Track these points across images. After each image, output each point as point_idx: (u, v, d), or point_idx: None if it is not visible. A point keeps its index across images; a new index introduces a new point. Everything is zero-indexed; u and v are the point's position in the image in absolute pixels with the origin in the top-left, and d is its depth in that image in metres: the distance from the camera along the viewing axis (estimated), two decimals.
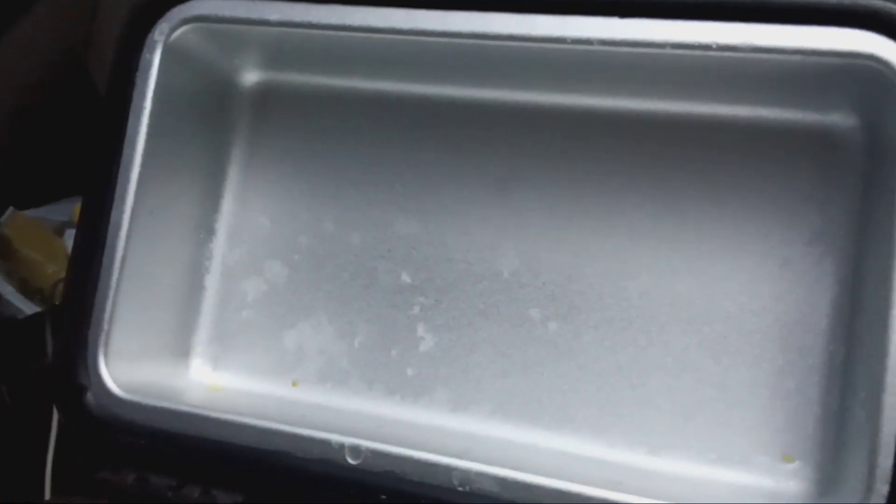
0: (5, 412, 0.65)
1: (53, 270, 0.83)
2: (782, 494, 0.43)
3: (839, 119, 0.44)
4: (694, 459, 0.44)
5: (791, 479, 0.43)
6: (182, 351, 0.52)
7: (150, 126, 0.47)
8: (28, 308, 0.80)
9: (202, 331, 0.52)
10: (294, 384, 0.51)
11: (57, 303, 0.74)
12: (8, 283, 0.84)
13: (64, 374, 0.45)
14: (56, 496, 0.55)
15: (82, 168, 0.80)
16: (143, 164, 0.47)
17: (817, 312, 0.44)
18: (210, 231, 0.53)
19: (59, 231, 0.87)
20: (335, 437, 0.42)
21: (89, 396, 0.45)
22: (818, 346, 0.44)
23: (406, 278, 0.50)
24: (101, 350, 0.46)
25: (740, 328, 0.44)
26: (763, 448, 0.44)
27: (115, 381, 0.45)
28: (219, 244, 0.53)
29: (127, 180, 0.46)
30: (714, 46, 0.40)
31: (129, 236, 0.46)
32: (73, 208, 0.89)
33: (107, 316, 0.45)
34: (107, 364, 0.46)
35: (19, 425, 0.64)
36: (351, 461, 0.42)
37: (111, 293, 0.46)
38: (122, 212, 0.46)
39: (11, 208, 0.84)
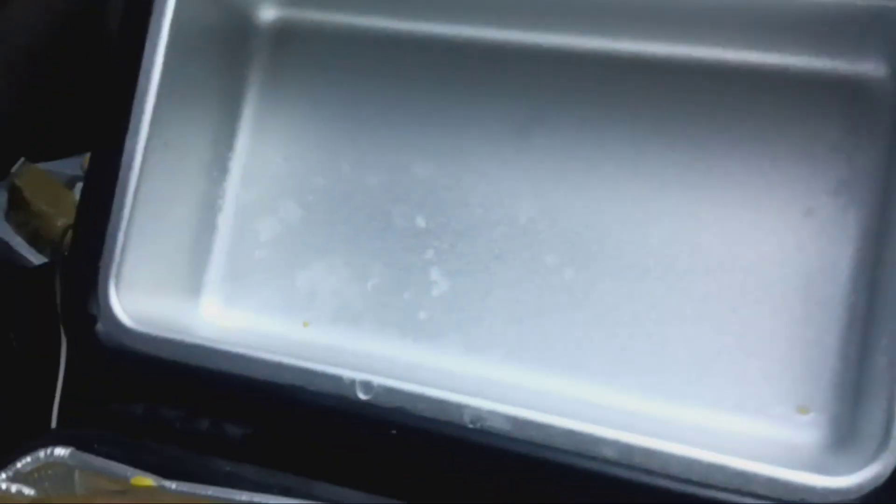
0: (13, 358, 0.65)
1: (63, 223, 0.82)
2: (797, 445, 0.42)
3: (870, 68, 0.43)
4: (709, 408, 0.44)
5: (806, 430, 0.42)
6: (193, 288, 0.51)
7: (167, 57, 0.46)
8: (36, 259, 0.80)
9: (214, 269, 0.52)
10: (305, 325, 0.50)
11: (66, 253, 0.74)
12: (17, 234, 0.83)
13: (75, 304, 0.45)
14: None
15: (95, 123, 0.80)
16: (159, 95, 0.46)
17: (840, 263, 0.43)
18: (224, 169, 0.52)
19: (70, 184, 0.87)
20: (346, 373, 0.42)
21: (99, 326, 0.44)
22: (839, 296, 0.43)
23: (421, 222, 0.49)
24: (111, 281, 0.45)
25: (761, 278, 0.44)
26: (779, 398, 0.43)
27: (125, 313, 0.45)
28: (232, 183, 0.52)
29: (142, 110, 0.46)
30: None
31: (142, 167, 0.46)
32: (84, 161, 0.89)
33: (118, 247, 0.45)
34: (118, 295, 0.45)
35: (27, 370, 0.63)
36: (362, 396, 0.41)
37: (123, 224, 0.45)
38: (136, 142, 0.46)
39: (23, 159, 0.84)
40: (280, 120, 0.52)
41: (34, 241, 0.82)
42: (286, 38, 0.53)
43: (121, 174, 0.45)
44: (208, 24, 0.49)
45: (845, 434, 0.41)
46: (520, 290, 0.47)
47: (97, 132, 0.45)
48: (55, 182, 0.86)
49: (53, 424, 0.55)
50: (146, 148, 0.46)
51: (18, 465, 0.37)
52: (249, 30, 0.52)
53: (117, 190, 0.45)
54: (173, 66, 0.46)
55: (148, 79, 0.46)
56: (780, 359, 0.43)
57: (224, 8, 0.50)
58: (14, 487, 0.37)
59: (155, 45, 0.45)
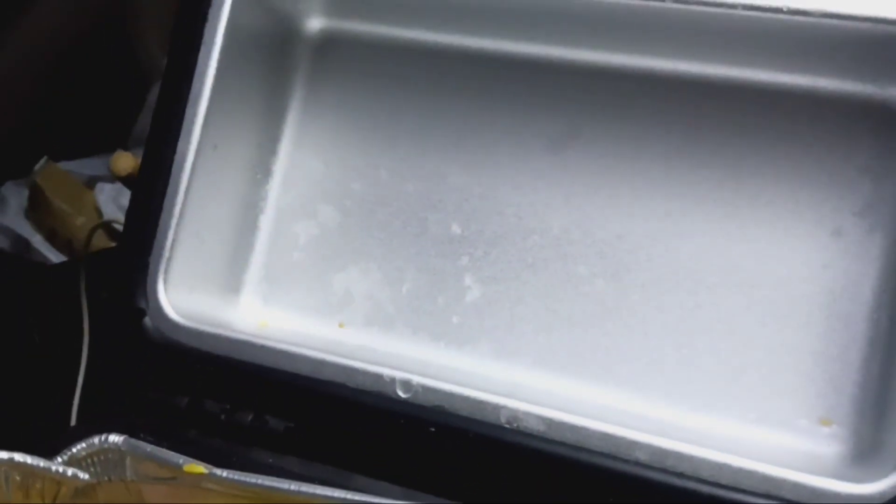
0: (35, 351, 0.66)
1: (82, 222, 0.84)
2: (820, 457, 0.43)
3: None
4: (733, 419, 0.45)
5: (828, 443, 0.44)
6: (233, 287, 0.53)
7: (220, 62, 0.48)
8: (55, 257, 0.81)
9: (253, 269, 0.53)
10: (340, 326, 0.52)
11: (89, 252, 0.75)
12: (37, 232, 0.85)
13: (124, 298, 0.46)
14: (81, 426, 0.56)
15: (113, 125, 0.81)
16: (211, 99, 0.48)
17: (864, 281, 0.45)
18: (267, 172, 0.54)
19: (90, 184, 0.88)
20: (387, 371, 0.43)
21: (147, 320, 0.46)
22: (863, 313, 0.44)
23: (456, 229, 0.51)
24: (161, 276, 0.47)
25: (788, 294, 0.45)
26: (802, 411, 0.44)
27: (172, 308, 0.46)
28: (274, 186, 0.54)
29: (195, 114, 0.47)
30: (785, 10, 0.41)
31: (193, 169, 0.47)
32: (106, 163, 0.90)
33: (168, 244, 0.47)
34: (166, 291, 0.47)
35: (48, 363, 0.65)
36: (402, 395, 0.43)
37: (174, 222, 0.47)
38: (188, 143, 0.47)
39: (45, 158, 0.85)
40: (321, 126, 0.54)
41: (53, 239, 0.84)
42: (331, 47, 0.54)
43: (172, 174, 0.47)
44: (258, 31, 0.51)
45: (866, 446, 0.43)
46: (551, 299, 0.49)
47: (151, 133, 0.47)
48: (76, 182, 0.88)
49: (74, 417, 0.56)
50: (197, 149, 0.47)
51: (73, 449, 0.39)
52: (296, 38, 0.54)
53: (169, 188, 0.46)
54: (225, 72, 0.48)
55: (202, 83, 0.47)
56: (804, 372, 0.45)
57: (274, 16, 0.52)
58: (70, 471, 0.38)
59: (209, 51, 0.47)
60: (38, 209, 0.85)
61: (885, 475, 0.38)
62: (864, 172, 0.45)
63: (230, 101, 0.50)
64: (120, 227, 0.70)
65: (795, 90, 0.46)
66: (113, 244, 0.72)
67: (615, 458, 0.40)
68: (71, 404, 0.59)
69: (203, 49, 0.47)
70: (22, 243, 0.82)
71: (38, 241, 0.84)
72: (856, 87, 0.45)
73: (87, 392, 0.59)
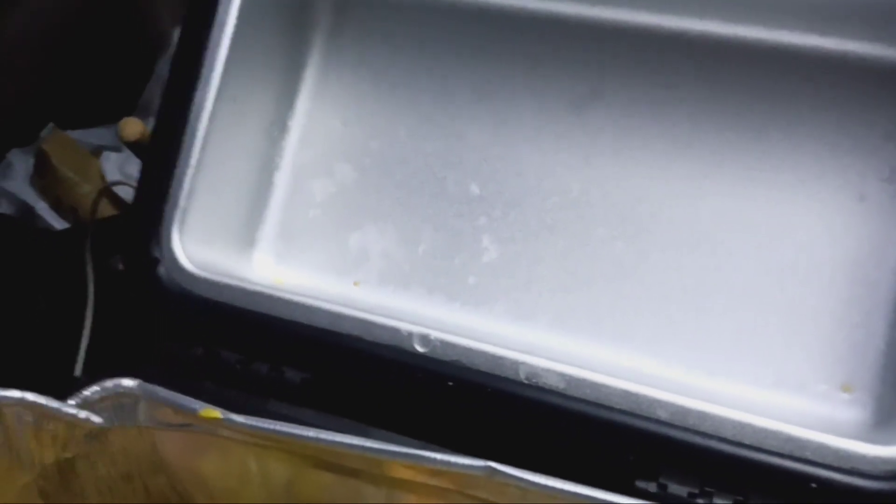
0: (40, 316, 0.66)
1: (87, 190, 0.83)
2: (839, 422, 0.43)
3: None
4: (751, 383, 0.45)
5: (848, 409, 0.43)
6: (248, 243, 0.52)
7: (240, 13, 0.47)
8: (60, 224, 0.81)
9: (268, 226, 0.53)
10: (356, 284, 0.51)
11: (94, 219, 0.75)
12: (42, 199, 0.84)
13: (138, 246, 0.46)
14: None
15: (120, 94, 0.81)
16: (231, 50, 0.47)
17: (889, 248, 0.44)
18: (284, 129, 0.53)
19: (97, 153, 0.88)
20: (404, 325, 0.43)
21: (161, 270, 0.45)
22: (886, 280, 0.44)
23: (475, 189, 0.50)
24: (175, 226, 0.46)
25: (811, 258, 0.45)
26: (823, 376, 0.44)
27: (187, 258, 0.46)
28: (291, 142, 0.53)
29: (213, 63, 0.47)
30: None
31: (211, 119, 0.47)
32: (112, 133, 0.90)
33: (184, 193, 0.46)
34: (181, 241, 0.46)
35: (52, 328, 0.64)
36: (419, 349, 0.42)
37: (190, 172, 0.46)
38: (206, 93, 0.47)
39: (52, 124, 0.85)
40: (340, 84, 0.53)
41: (57, 206, 0.83)
42: (351, 3, 0.54)
43: (189, 124, 0.46)
44: None
45: (888, 413, 0.42)
46: (569, 261, 0.48)
47: (169, 83, 0.46)
48: (82, 150, 0.87)
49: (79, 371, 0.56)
50: (215, 100, 0.47)
51: (87, 392, 0.38)
52: None
53: (186, 138, 0.46)
54: (245, 24, 0.47)
55: (221, 34, 0.47)
56: (825, 338, 0.44)
57: None
58: (83, 413, 0.37)
59: (229, 2, 0.46)
60: (43, 176, 0.85)
61: None
62: (889, 138, 0.45)
63: (249, 54, 0.49)
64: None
65: (823, 53, 0.45)
66: (117, 212, 0.71)
67: (636, 415, 0.39)
68: (74, 368, 0.59)
69: (223, 1, 0.47)
70: (27, 210, 0.81)
71: (42, 208, 0.83)
72: (884, 52, 0.45)
73: (90, 357, 0.58)
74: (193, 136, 0.46)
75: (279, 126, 0.53)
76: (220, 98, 0.47)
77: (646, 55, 0.48)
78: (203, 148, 0.47)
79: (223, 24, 0.47)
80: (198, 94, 0.47)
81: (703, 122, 0.47)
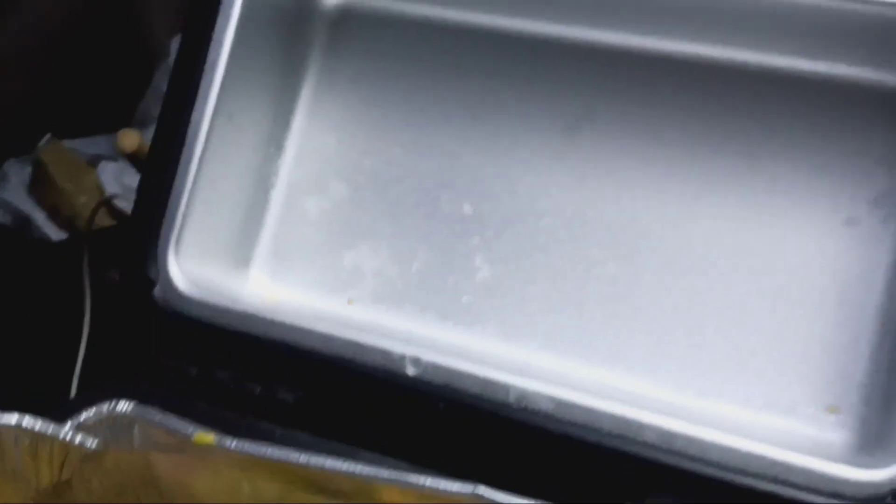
0: (36, 326, 0.66)
1: (84, 201, 0.83)
2: (826, 444, 0.43)
3: None
4: (741, 404, 0.45)
5: (835, 430, 0.44)
6: (242, 260, 0.53)
7: (237, 32, 0.47)
8: (56, 235, 0.81)
9: (263, 243, 0.53)
10: (349, 302, 0.52)
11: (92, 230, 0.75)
12: (39, 209, 0.85)
13: (134, 267, 0.46)
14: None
15: (117, 104, 0.81)
16: (227, 69, 0.47)
17: (877, 271, 0.44)
18: (279, 146, 0.54)
19: (94, 163, 0.88)
20: (396, 347, 0.43)
21: (157, 290, 0.46)
22: (874, 303, 0.44)
23: (468, 208, 0.51)
24: (171, 247, 0.47)
25: (800, 280, 0.45)
26: (810, 399, 0.44)
27: (183, 278, 0.46)
28: (286, 160, 0.54)
29: (210, 82, 0.47)
30: None
31: (207, 138, 0.47)
32: (109, 142, 0.90)
33: (180, 214, 0.46)
34: (177, 261, 0.46)
35: (49, 338, 0.65)
36: (411, 371, 0.43)
37: (186, 192, 0.47)
38: (202, 112, 0.47)
39: (49, 135, 0.85)
40: (335, 102, 0.54)
41: (54, 216, 0.84)
42: (347, 22, 0.54)
43: (186, 143, 0.47)
44: (276, 4, 0.50)
45: (874, 435, 0.43)
46: (562, 281, 0.49)
47: (166, 100, 0.47)
48: (79, 160, 0.87)
49: (73, 393, 0.56)
50: (212, 118, 0.47)
51: (83, 415, 0.38)
52: (313, 13, 0.53)
53: (182, 157, 0.46)
54: (241, 43, 0.48)
55: (218, 51, 0.47)
56: (813, 360, 0.45)
57: None
58: (78, 437, 0.38)
59: (227, 19, 0.47)
60: (40, 186, 0.85)
61: (892, 463, 0.38)
62: (879, 162, 0.45)
63: (246, 73, 0.49)
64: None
65: (814, 77, 0.46)
66: (114, 223, 0.71)
67: (624, 438, 0.40)
68: (71, 381, 0.59)
69: (220, 19, 0.47)
70: (24, 220, 0.82)
71: (39, 218, 0.83)
72: (875, 76, 0.45)
73: (87, 369, 0.59)
74: (190, 154, 0.47)
75: (275, 143, 0.53)
76: (217, 116, 0.47)
77: (638, 78, 0.49)
78: (199, 167, 0.47)
79: (220, 43, 0.47)
80: (195, 113, 0.47)
81: (695, 144, 0.47)
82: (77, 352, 0.60)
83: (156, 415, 0.38)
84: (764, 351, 0.45)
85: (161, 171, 0.46)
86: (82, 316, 0.63)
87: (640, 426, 0.40)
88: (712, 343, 0.46)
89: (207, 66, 0.46)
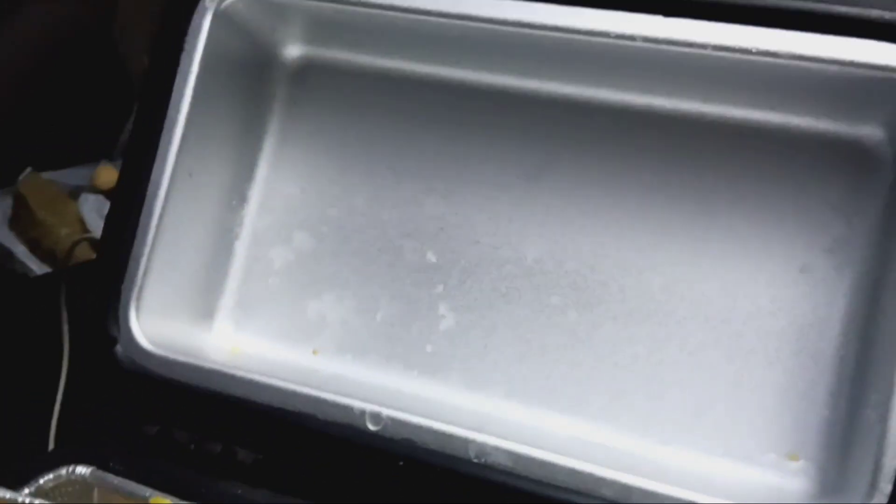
0: (15, 365, 0.66)
1: (66, 233, 0.84)
2: (786, 491, 0.44)
3: (869, 132, 0.45)
4: (702, 452, 0.46)
5: (795, 477, 0.44)
6: (206, 312, 0.53)
7: (196, 90, 0.48)
8: (38, 268, 0.81)
9: (227, 295, 0.53)
10: (314, 353, 0.52)
11: (71, 265, 0.75)
12: (20, 243, 0.85)
13: (95, 326, 0.46)
14: (51, 453, 0.56)
15: (99, 135, 0.81)
16: (186, 127, 0.48)
17: (832, 318, 0.45)
18: (242, 198, 0.54)
19: (74, 195, 0.88)
20: (357, 403, 0.43)
21: (119, 348, 0.46)
22: (830, 350, 0.45)
23: (431, 257, 0.51)
24: (132, 305, 0.47)
25: (757, 328, 0.46)
26: (770, 446, 0.45)
27: (144, 336, 0.46)
28: (250, 211, 0.54)
29: (169, 141, 0.47)
30: (754, 51, 0.41)
31: (167, 196, 0.47)
32: (90, 173, 0.90)
33: (141, 272, 0.47)
34: (137, 319, 0.47)
35: (28, 378, 0.65)
36: (371, 427, 0.43)
37: (146, 250, 0.47)
38: (162, 171, 0.47)
39: (29, 168, 0.85)
40: (298, 153, 0.54)
41: (35, 250, 0.84)
42: (309, 74, 0.54)
43: (146, 201, 0.47)
44: (236, 57, 0.51)
45: (833, 482, 0.43)
46: (524, 329, 0.49)
47: (125, 160, 0.47)
48: (59, 192, 0.88)
49: (52, 437, 0.56)
50: (171, 177, 0.47)
51: (41, 480, 0.39)
52: (274, 65, 0.54)
53: (142, 216, 0.46)
54: (201, 99, 0.48)
55: (177, 111, 0.47)
56: (771, 408, 0.45)
57: (252, 43, 0.52)
58: (37, 502, 0.38)
59: (186, 79, 0.47)
60: (20, 220, 0.85)
61: None
62: (834, 210, 0.46)
63: (206, 128, 0.50)
64: None
65: (768, 128, 0.47)
66: (95, 256, 0.71)
67: (581, 493, 0.40)
68: (49, 423, 0.59)
69: (179, 76, 0.47)
70: (4, 254, 0.82)
71: (20, 252, 0.83)
72: (828, 126, 0.46)
73: (65, 412, 0.59)
74: (150, 214, 0.47)
75: (238, 195, 0.54)
76: (177, 174, 0.48)
77: (597, 128, 0.49)
78: (159, 225, 0.47)
79: (179, 101, 0.48)
80: (154, 172, 0.47)
81: (652, 193, 0.48)
82: (55, 394, 0.60)
83: (113, 479, 0.38)
84: (722, 399, 0.46)
85: (122, 230, 0.47)
86: (61, 353, 0.62)
87: (598, 481, 0.40)
88: (671, 392, 0.46)
89: (166, 126, 0.47)
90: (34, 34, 0.79)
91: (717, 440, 0.45)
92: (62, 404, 0.59)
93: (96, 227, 0.82)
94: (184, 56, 0.47)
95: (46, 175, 0.87)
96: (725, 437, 0.45)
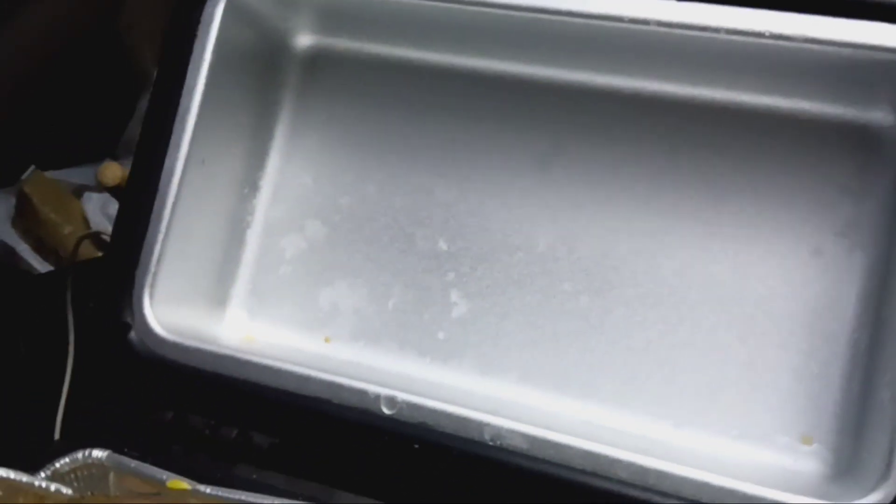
0: (20, 361, 0.66)
1: (69, 231, 0.84)
2: (800, 473, 0.44)
3: (879, 116, 0.46)
4: (715, 435, 0.46)
5: (809, 460, 0.44)
6: (219, 301, 0.53)
7: (208, 79, 0.48)
8: (42, 266, 0.81)
9: (240, 283, 0.53)
10: (327, 340, 0.52)
11: (75, 263, 0.75)
12: (24, 241, 0.85)
13: (110, 313, 0.46)
14: (65, 440, 0.56)
15: (102, 133, 0.81)
16: (199, 115, 0.48)
17: (845, 300, 0.45)
18: (254, 187, 0.54)
19: (78, 193, 0.88)
20: (372, 388, 0.44)
21: (133, 335, 0.46)
22: (844, 332, 0.45)
23: (443, 245, 0.51)
24: (146, 291, 0.47)
25: (769, 311, 0.46)
26: (783, 428, 0.45)
27: (158, 322, 0.46)
28: (262, 200, 0.54)
29: (182, 129, 0.47)
30: (767, 34, 0.41)
31: (180, 184, 0.48)
32: (94, 172, 0.90)
33: (154, 259, 0.47)
34: (151, 305, 0.47)
35: (32, 374, 0.65)
36: (386, 411, 0.43)
37: (160, 237, 0.47)
38: (175, 158, 0.47)
39: (33, 167, 0.85)
40: (310, 141, 0.54)
41: (39, 248, 0.84)
42: (320, 63, 0.55)
43: (160, 189, 0.47)
44: (248, 48, 0.51)
45: (847, 464, 0.43)
46: (536, 315, 0.49)
47: (139, 148, 0.47)
48: (63, 191, 0.88)
49: (57, 431, 0.56)
50: (185, 165, 0.47)
51: (57, 464, 0.39)
52: (285, 55, 0.54)
53: (156, 204, 0.47)
54: (214, 88, 0.48)
55: (190, 98, 0.48)
56: (785, 390, 0.45)
57: (263, 33, 0.52)
58: (53, 486, 0.38)
59: (198, 67, 0.47)
60: (24, 218, 0.85)
61: (865, 493, 0.38)
62: (844, 193, 0.46)
63: (219, 117, 0.50)
64: (107, 238, 0.70)
65: (777, 112, 0.47)
66: (100, 254, 0.72)
67: (597, 475, 0.40)
68: (55, 418, 0.59)
69: (192, 64, 0.48)
70: (8, 252, 0.82)
71: (24, 250, 0.83)
72: (836, 110, 0.46)
73: (70, 405, 0.59)
74: (163, 201, 0.47)
75: (250, 184, 0.54)
76: (190, 162, 0.48)
77: (607, 115, 0.49)
78: (173, 212, 0.47)
79: (192, 90, 0.48)
80: (167, 161, 0.47)
81: (662, 179, 0.48)
82: (61, 389, 0.60)
83: (130, 462, 0.38)
84: (736, 382, 0.46)
85: (135, 217, 0.47)
86: (66, 351, 0.62)
87: (613, 462, 0.40)
88: (686, 375, 0.46)
89: (179, 114, 0.47)
90: (36, 33, 0.79)
91: (730, 423, 0.46)
92: (67, 400, 0.59)
93: (100, 225, 0.82)
94: (196, 45, 0.48)
95: (50, 174, 0.87)
96: (739, 419, 0.45)
